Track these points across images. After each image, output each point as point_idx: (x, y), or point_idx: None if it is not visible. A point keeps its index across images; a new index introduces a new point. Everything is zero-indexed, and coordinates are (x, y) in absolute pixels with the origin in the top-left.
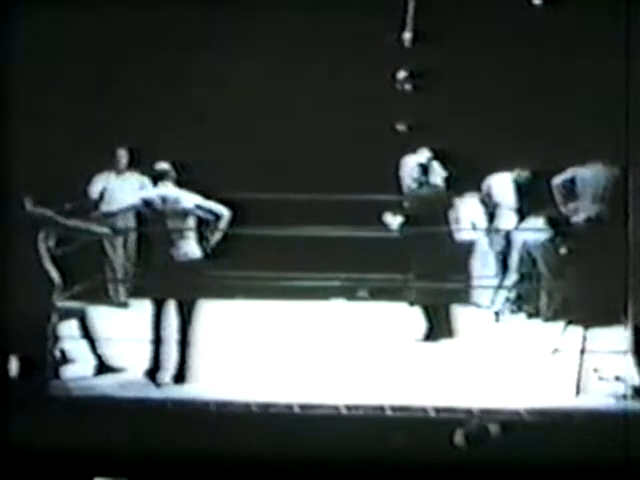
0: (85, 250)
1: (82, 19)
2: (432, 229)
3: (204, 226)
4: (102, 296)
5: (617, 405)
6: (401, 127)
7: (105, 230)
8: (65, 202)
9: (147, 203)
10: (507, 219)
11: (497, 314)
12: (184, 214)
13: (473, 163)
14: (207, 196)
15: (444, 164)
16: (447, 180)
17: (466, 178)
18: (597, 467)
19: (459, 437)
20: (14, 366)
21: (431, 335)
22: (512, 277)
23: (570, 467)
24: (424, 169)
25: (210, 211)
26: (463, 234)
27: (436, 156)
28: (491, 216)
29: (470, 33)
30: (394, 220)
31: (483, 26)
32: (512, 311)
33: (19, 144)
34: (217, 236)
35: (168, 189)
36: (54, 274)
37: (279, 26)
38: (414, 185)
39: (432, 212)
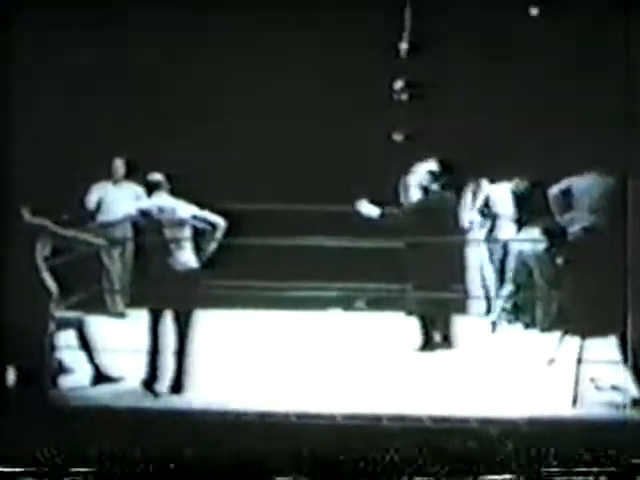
0: (82, 260)
1: (81, 29)
2: (429, 239)
3: (200, 236)
4: (99, 306)
5: (614, 415)
6: (398, 137)
7: (102, 241)
8: (62, 212)
9: (144, 213)
10: (506, 229)
11: (494, 324)
12: (180, 224)
13: (471, 173)
14: (203, 206)
15: (442, 174)
16: (445, 190)
17: (464, 188)
18: (593, 477)
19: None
20: (11, 376)
21: (428, 345)
22: (509, 287)
23: (567, 477)
24: (435, 176)
25: (206, 221)
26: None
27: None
28: (490, 226)
29: (467, 43)
30: (371, 210)
31: (480, 36)
32: (509, 321)
33: (17, 154)
34: (213, 246)
35: (164, 199)
36: (51, 284)
37: (276, 37)
38: (419, 193)
39: (430, 222)
